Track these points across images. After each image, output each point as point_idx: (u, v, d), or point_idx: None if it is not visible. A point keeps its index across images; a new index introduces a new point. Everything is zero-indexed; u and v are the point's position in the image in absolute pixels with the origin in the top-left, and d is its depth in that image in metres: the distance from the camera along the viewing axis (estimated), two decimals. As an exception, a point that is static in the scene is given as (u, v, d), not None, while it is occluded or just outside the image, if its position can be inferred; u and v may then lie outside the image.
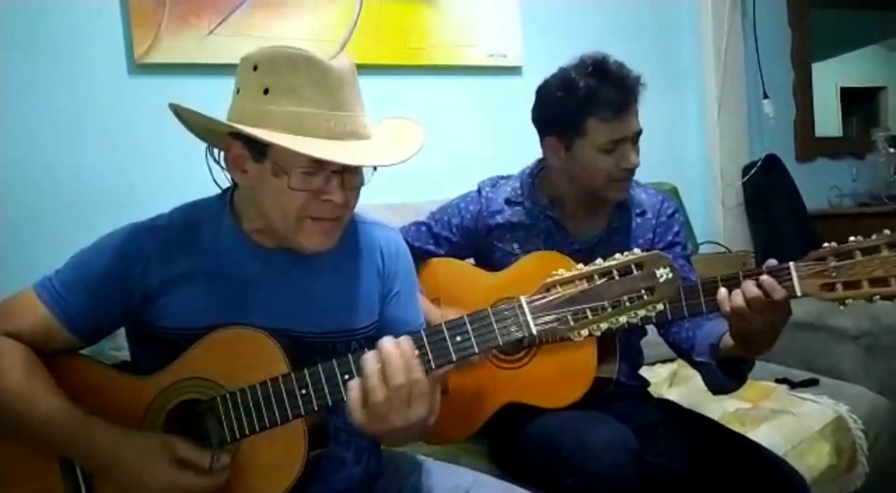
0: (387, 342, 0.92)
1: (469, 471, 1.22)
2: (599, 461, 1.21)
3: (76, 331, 1.05)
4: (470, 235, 1.57)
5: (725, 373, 1.29)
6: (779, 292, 1.12)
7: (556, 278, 0.93)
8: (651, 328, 1.52)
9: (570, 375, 1.39)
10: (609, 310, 0.91)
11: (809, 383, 1.97)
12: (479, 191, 1.59)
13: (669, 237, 1.50)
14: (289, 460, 0.99)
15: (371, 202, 1.94)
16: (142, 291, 1.05)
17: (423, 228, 1.61)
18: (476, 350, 0.95)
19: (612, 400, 1.44)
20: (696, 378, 2.02)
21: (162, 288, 1.06)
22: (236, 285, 1.07)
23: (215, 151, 1.09)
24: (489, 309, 0.95)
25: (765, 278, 1.14)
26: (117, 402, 1.03)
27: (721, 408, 1.79)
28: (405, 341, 0.93)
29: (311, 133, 0.97)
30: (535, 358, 1.43)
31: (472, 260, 1.62)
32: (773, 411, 1.79)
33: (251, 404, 0.99)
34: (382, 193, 2.05)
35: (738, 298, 1.14)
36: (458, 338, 0.95)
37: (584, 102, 1.38)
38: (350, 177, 1.03)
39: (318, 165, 0.99)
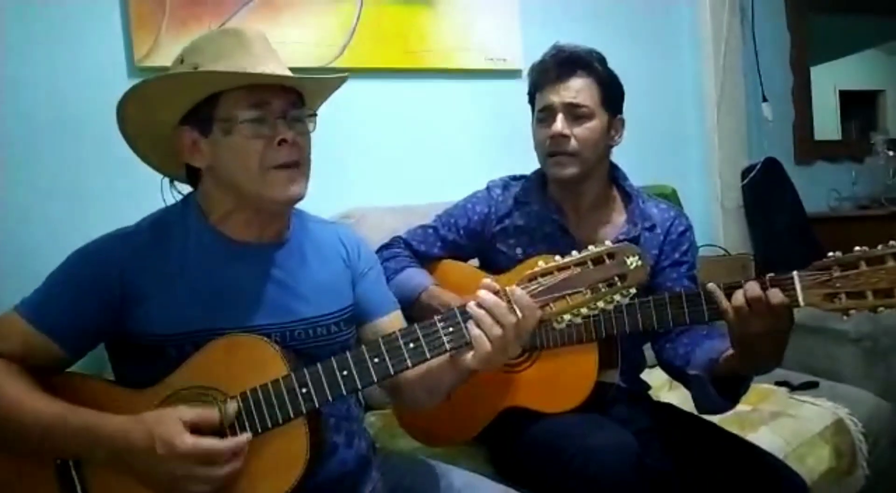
0: (483, 292, 0.99)
1: (463, 472, 1.22)
2: (601, 465, 1.20)
3: (59, 340, 1.04)
4: (476, 236, 1.57)
5: (719, 393, 1.25)
6: (776, 297, 1.11)
7: (537, 269, 1.00)
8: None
9: (572, 380, 1.38)
10: (587, 295, 0.98)
11: (809, 386, 1.97)
12: (488, 190, 1.58)
13: (676, 256, 1.47)
14: (293, 458, 1.00)
15: (370, 205, 1.95)
16: (120, 296, 1.05)
17: (430, 231, 1.60)
18: (468, 340, 1.00)
19: (613, 404, 1.44)
20: (696, 381, 2.03)
21: (141, 293, 1.05)
22: (211, 283, 1.08)
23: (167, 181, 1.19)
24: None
25: (766, 286, 1.12)
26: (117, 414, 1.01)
27: (721, 411, 1.79)
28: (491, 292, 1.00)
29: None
30: (536, 363, 1.43)
31: (475, 262, 1.62)
32: (772, 413, 1.79)
33: (252, 406, 1.00)
34: (381, 196, 2.06)
35: (738, 297, 1.13)
36: (451, 329, 1.00)
37: (532, 77, 1.49)
38: (294, 121, 1.07)
39: (261, 110, 1.04)
